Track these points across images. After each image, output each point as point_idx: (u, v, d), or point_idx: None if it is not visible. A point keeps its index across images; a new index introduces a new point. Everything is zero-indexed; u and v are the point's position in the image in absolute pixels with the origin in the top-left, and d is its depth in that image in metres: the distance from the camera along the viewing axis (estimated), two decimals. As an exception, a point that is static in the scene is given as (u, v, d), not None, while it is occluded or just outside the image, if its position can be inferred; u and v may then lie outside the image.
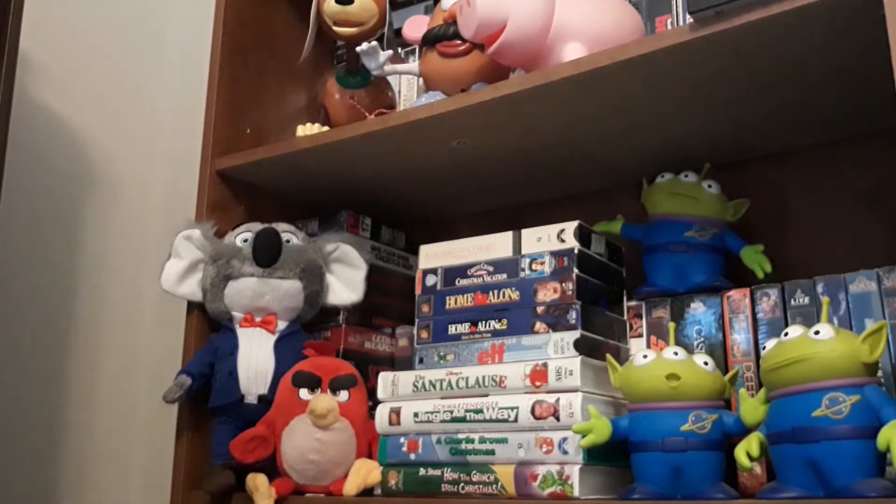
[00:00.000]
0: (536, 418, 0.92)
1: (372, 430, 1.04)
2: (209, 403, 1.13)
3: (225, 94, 1.26)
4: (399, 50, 1.32)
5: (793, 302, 0.94)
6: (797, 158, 1.14)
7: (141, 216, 1.65)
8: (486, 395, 0.96)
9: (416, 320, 1.06)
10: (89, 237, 1.56)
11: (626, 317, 1.05)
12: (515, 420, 0.93)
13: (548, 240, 1.00)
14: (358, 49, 1.17)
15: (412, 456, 0.99)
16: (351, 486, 1.01)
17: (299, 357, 1.11)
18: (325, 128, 1.20)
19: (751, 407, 0.84)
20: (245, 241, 1.16)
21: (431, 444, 0.98)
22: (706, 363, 0.88)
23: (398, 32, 1.25)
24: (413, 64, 1.20)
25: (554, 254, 0.99)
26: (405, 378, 1.03)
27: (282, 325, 1.15)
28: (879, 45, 0.77)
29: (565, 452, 0.89)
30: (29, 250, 1.46)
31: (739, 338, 0.96)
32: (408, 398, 1.02)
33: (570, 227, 0.99)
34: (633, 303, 1.05)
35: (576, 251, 0.98)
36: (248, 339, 1.13)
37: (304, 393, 1.06)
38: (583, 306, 0.96)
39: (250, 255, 1.14)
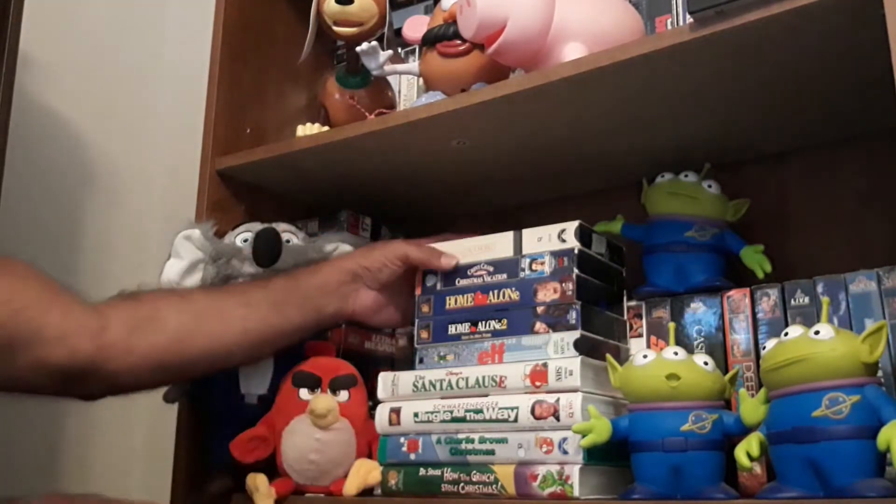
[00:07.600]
0: (536, 418, 0.92)
1: (372, 430, 1.04)
2: (209, 404, 1.13)
3: (225, 94, 1.26)
4: (399, 50, 1.32)
5: (793, 302, 0.94)
6: (797, 158, 1.14)
7: (141, 216, 1.65)
8: (486, 395, 0.96)
9: (416, 320, 1.06)
10: (89, 237, 1.56)
11: (626, 317, 1.05)
12: (515, 420, 0.93)
13: (548, 240, 1.00)
14: (358, 49, 1.16)
15: (412, 456, 0.99)
16: (351, 486, 1.01)
17: (299, 357, 1.11)
18: (325, 128, 1.20)
19: (751, 407, 0.84)
20: (245, 241, 1.16)
21: (431, 444, 0.98)
22: (706, 363, 0.88)
23: (398, 32, 1.25)
24: (413, 64, 1.19)
25: (554, 254, 0.98)
26: (405, 378, 1.03)
27: (282, 325, 1.15)
28: (879, 44, 0.77)
29: (565, 452, 0.89)
30: (29, 250, 1.46)
31: (739, 338, 0.96)
32: (408, 398, 1.02)
33: (571, 227, 0.99)
34: (633, 303, 1.05)
35: (576, 251, 0.97)
36: (248, 339, 1.13)
37: (304, 393, 1.06)
38: (583, 306, 0.95)
39: (250, 255, 1.14)
